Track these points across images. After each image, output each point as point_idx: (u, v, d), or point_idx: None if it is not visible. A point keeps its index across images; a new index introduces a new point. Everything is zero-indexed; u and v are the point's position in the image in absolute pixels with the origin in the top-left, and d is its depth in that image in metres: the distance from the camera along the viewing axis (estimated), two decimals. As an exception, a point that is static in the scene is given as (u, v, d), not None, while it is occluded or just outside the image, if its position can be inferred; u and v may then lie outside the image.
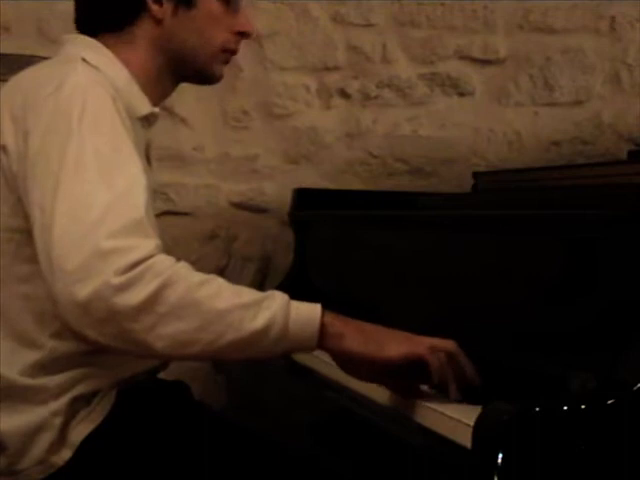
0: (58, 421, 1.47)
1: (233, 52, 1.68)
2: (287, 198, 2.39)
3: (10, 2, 2.37)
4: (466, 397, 1.38)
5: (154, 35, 1.61)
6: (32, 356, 1.48)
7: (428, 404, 1.39)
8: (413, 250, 1.85)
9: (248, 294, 1.38)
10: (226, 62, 1.68)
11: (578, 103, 2.69)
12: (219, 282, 1.37)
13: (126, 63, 1.58)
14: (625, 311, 1.32)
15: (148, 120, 1.62)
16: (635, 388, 1.21)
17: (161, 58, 1.62)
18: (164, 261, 1.34)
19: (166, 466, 1.52)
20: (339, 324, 1.40)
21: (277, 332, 1.36)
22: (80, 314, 1.32)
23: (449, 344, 1.40)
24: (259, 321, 1.35)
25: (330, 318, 1.40)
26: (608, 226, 1.41)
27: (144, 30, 1.60)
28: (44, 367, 1.48)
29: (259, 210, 2.56)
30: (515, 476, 1.17)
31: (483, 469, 1.18)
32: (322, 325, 1.38)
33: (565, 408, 1.19)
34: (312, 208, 2.32)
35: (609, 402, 1.20)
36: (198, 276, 1.36)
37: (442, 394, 1.40)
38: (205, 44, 1.64)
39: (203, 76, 1.68)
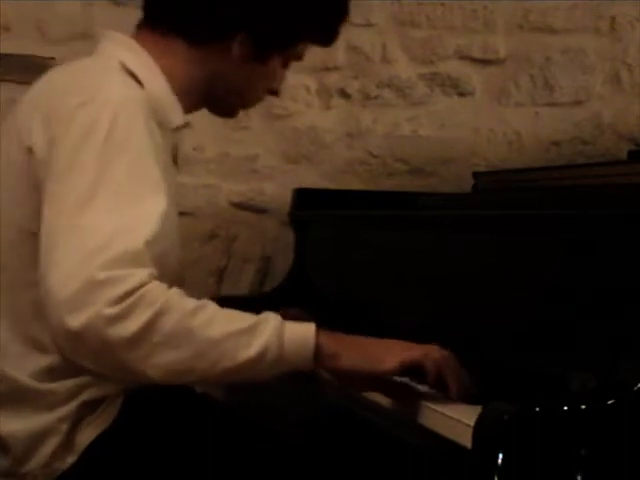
0: (65, 426, 1.47)
1: (257, 103, 1.72)
2: (287, 198, 2.39)
3: (10, 2, 2.37)
4: (465, 398, 1.38)
5: (212, 64, 1.60)
6: (43, 361, 1.47)
7: (428, 404, 1.39)
8: (413, 250, 1.85)
9: (241, 320, 1.37)
10: (246, 108, 1.72)
11: (578, 103, 2.69)
12: (212, 308, 1.37)
13: (166, 70, 1.57)
14: (625, 311, 1.32)
15: (178, 127, 1.62)
16: (635, 388, 1.21)
17: (202, 84, 1.62)
18: (156, 289, 1.33)
19: (170, 473, 1.51)
20: (334, 343, 1.40)
21: (272, 357, 1.36)
22: (73, 344, 1.32)
23: (442, 351, 1.41)
24: (253, 348, 1.35)
25: (324, 338, 1.39)
26: (608, 226, 1.41)
27: (206, 54, 1.60)
28: (54, 372, 1.47)
29: (259, 210, 2.56)
30: (515, 476, 1.17)
31: (483, 469, 1.18)
32: (317, 346, 1.38)
33: (565, 408, 1.19)
34: (312, 208, 2.32)
35: (609, 402, 1.20)
36: (191, 303, 1.35)
37: (442, 394, 1.41)
38: (247, 93, 1.67)
39: (224, 112, 1.71)
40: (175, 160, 1.65)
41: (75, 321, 1.29)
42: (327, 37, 1.69)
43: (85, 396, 1.48)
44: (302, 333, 1.39)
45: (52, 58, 2.38)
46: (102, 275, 1.30)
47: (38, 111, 1.46)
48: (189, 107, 1.64)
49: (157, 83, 1.56)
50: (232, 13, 1.58)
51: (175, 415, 1.56)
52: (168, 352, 1.32)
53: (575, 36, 2.67)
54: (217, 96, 1.65)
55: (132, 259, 1.33)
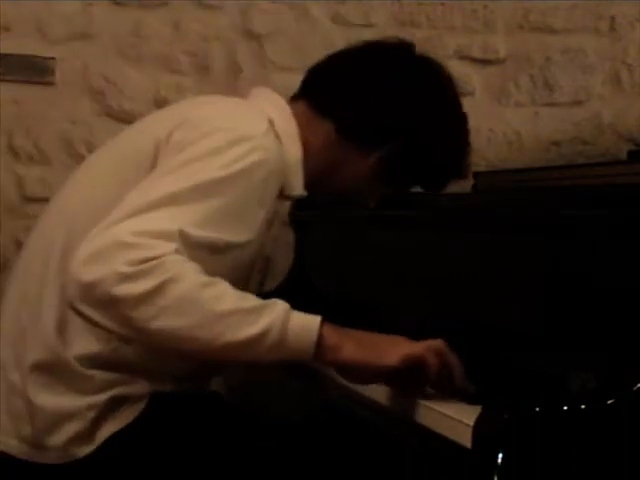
0: (91, 414, 1.50)
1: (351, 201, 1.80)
2: (287, 198, 2.39)
3: (10, 2, 2.37)
4: (464, 398, 1.38)
5: (345, 157, 1.65)
6: (95, 346, 1.51)
7: (428, 404, 1.39)
8: (413, 250, 1.85)
9: (251, 300, 1.40)
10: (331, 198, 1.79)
11: (578, 103, 2.69)
12: (224, 286, 1.39)
13: (305, 144, 1.61)
14: (625, 311, 1.32)
15: (293, 197, 1.66)
16: (635, 388, 1.21)
17: (322, 166, 1.66)
18: (176, 260, 1.36)
19: (181, 473, 1.53)
20: (337, 336, 1.41)
21: (274, 339, 1.37)
22: (83, 293, 1.36)
23: (444, 345, 1.41)
24: (256, 327, 1.37)
25: (329, 330, 1.41)
26: (608, 226, 1.41)
27: (348, 148, 1.65)
28: (97, 360, 1.51)
29: (259, 210, 2.56)
30: (515, 476, 1.17)
31: (483, 469, 1.18)
32: (320, 336, 1.39)
33: (565, 408, 1.19)
34: (312, 208, 2.32)
35: (609, 402, 1.20)
36: (205, 278, 1.38)
37: (440, 394, 1.41)
38: (344, 190, 1.71)
39: (319, 192, 1.73)
40: (272, 223, 1.68)
41: (90, 274, 1.34)
42: (434, 186, 1.77)
43: (116, 391, 1.51)
44: (307, 322, 1.40)
45: (52, 58, 2.38)
46: (132, 239, 1.35)
47: (181, 116, 1.53)
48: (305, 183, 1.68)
49: (294, 151, 1.59)
50: (393, 125, 1.65)
51: (195, 418, 1.58)
52: (173, 317, 1.35)
53: (575, 36, 2.67)
54: (322, 177, 1.68)
55: (164, 235, 1.38)
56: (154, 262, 1.34)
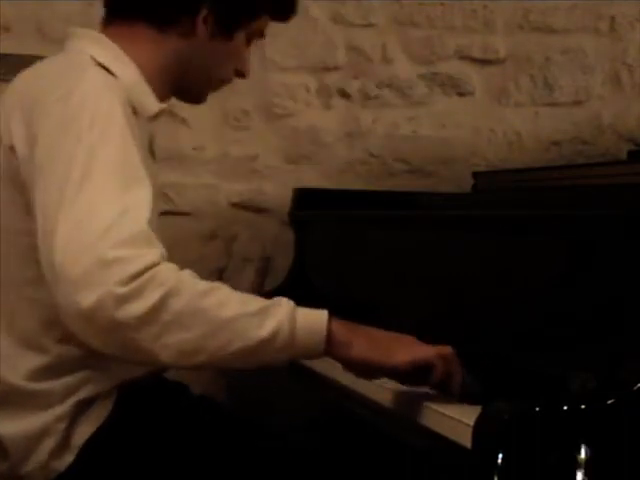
0: (62, 425, 1.47)
1: (226, 84, 1.71)
2: (287, 198, 2.39)
3: (10, 2, 2.37)
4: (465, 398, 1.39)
5: (177, 45, 1.61)
6: (38, 360, 1.47)
7: (428, 404, 1.39)
8: (413, 250, 1.85)
9: (254, 302, 1.38)
10: (215, 90, 1.71)
11: (578, 103, 2.69)
12: (224, 290, 1.37)
13: (136, 59, 1.57)
14: (625, 311, 1.32)
15: (154, 116, 1.62)
16: (635, 388, 1.21)
17: (171, 69, 1.62)
18: (168, 270, 1.33)
19: (168, 465, 1.51)
20: (346, 331, 1.39)
21: (284, 340, 1.35)
22: (84, 323, 1.31)
23: (452, 352, 1.41)
24: (265, 329, 1.34)
25: (337, 325, 1.39)
26: (608, 226, 1.41)
27: (172, 36, 1.60)
28: (50, 371, 1.47)
29: (259, 210, 2.56)
30: (515, 476, 1.17)
31: (483, 469, 1.18)
32: (329, 332, 1.38)
33: (565, 408, 1.19)
34: (312, 208, 2.32)
35: (609, 402, 1.20)
36: (203, 284, 1.35)
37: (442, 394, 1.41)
38: (214, 73, 1.66)
39: (192, 97, 1.70)
40: (152, 150, 1.66)
41: (86, 300, 1.29)
42: (284, 9, 1.69)
43: (81, 394, 1.48)
44: (314, 318, 1.38)
45: (52, 58, 2.38)
46: (112, 254, 1.30)
47: (16, 111, 1.47)
48: (162, 95, 1.64)
49: (129, 73, 1.56)
50: None
51: (167, 409, 1.57)
52: (178, 332, 1.32)
53: (575, 36, 2.67)
54: (186, 79, 1.64)
55: (141, 239, 1.33)
56: (145, 276, 1.30)
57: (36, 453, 1.46)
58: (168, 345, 1.32)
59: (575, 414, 1.19)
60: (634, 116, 2.66)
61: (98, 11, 2.48)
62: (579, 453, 1.18)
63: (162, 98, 1.64)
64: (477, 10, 2.63)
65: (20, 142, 1.44)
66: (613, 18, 2.67)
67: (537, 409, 1.18)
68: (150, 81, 1.59)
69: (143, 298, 1.30)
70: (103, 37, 1.59)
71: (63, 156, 1.38)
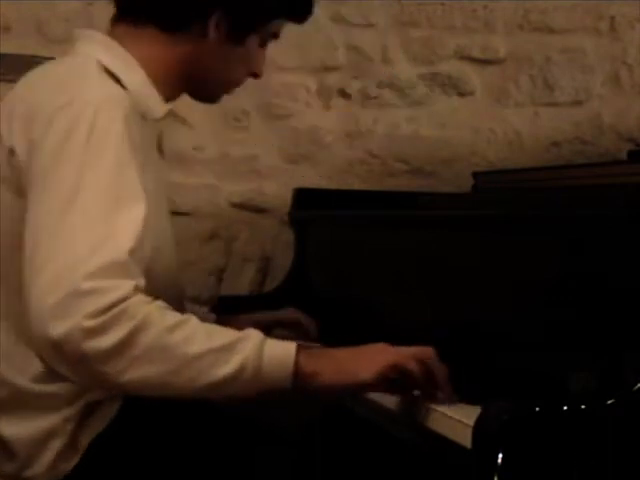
0: (69, 427, 1.47)
1: (239, 85, 1.70)
2: (287, 198, 2.39)
3: (10, 2, 2.37)
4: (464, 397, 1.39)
5: (187, 49, 1.59)
6: (45, 363, 1.45)
7: (428, 404, 1.39)
8: (413, 250, 1.85)
9: (221, 337, 1.36)
10: (228, 92, 1.70)
11: (578, 103, 2.69)
12: (192, 324, 1.36)
13: (142, 61, 1.56)
14: (625, 311, 1.32)
15: (161, 117, 1.61)
16: (635, 388, 1.21)
17: (181, 71, 1.60)
18: (138, 303, 1.32)
19: (173, 466, 1.52)
20: (314, 362, 1.38)
21: (249, 375, 1.35)
22: (53, 352, 1.32)
23: (428, 350, 1.40)
24: (230, 365, 1.34)
25: (304, 357, 1.38)
26: (608, 226, 1.41)
27: (182, 40, 1.58)
28: (57, 374, 1.45)
29: (259, 210, 2.56)
30: (515, 476, 1.17)
31: (483, 469, 1.18)
32: (296, 365, 1.37)
33: (565, 408, 1.19)
34: (312, 208, 2.32)
35: (609, 402, 1.20)
36: (172, 319, 1.35)
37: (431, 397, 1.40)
38: (226, 76, 1.66)
39: (205, 97, 1.70)
40: (161, 150, 1.65)
41: (55, 330, 1.29)
42: (300, 10, 1.67)
43: (89, 396, 1.48)
44: (282, 352, 1.37)
45: (52, 58, 2.36)
46: (87, 285, 1.30)
47: (19, 113, 1.46)
48: (171, 95, 1.63)
49: (135, 77, 1.55)
50: None
51: (172, 411, 1.56)
52: (144, 367, 1.32)
53: (575, 36, 2.67)
54: (197, 82, 1.63)
55: (118, 269, 1.32)
56: (116, 310, 1.30)
57: (43, 455, 1.47)
58: (133, 379, 1.32)
59: (575, 414, 1.19)
60: (634, 116, 2.66)
61: (98, 11, 2.48)
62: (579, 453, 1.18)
63: (169, 99, 1.63)
64: (477, 10, 2.63)
65: (20, 145, 1.44)
66: (613, 18, 2.67)
67: (537, 409, 1.18)
68: (157, 82, 1.58)
69: (111, 332, 1.30)
70: (110, 40, 1.57)
71: (57, 173, 1.37)
